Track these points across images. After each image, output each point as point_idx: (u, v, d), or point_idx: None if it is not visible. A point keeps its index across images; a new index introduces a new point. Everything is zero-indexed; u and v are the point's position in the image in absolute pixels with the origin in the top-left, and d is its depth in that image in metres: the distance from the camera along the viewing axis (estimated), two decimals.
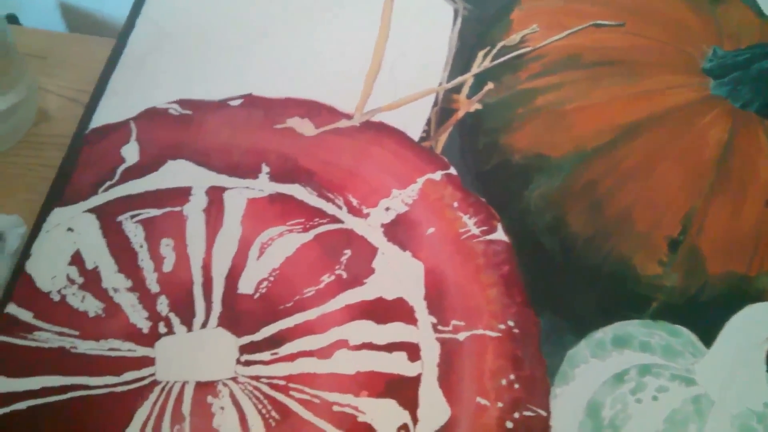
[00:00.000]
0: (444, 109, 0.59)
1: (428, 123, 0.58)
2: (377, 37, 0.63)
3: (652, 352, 0.49)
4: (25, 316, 0.49)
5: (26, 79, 0.57)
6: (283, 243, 0.52)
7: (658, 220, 0.54)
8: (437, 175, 0.55)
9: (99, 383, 0.46)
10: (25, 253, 0.51)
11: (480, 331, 0.49)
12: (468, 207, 0.54)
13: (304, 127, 0.57)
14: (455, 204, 0.54)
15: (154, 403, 0.45)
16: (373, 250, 0.52)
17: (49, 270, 0.50)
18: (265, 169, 0.55)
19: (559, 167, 0.55)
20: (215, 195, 0.54)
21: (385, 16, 0.64)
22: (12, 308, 0.49)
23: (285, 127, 0.57)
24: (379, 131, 0.57)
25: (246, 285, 0.50)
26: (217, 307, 0.49)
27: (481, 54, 0.62)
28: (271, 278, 0.50)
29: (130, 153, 0.56)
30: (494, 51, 0.62)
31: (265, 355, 0.47)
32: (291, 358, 0.47)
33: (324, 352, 0.48)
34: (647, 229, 0.54)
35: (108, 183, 0.54)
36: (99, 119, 0.57)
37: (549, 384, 0.47)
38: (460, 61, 0.61)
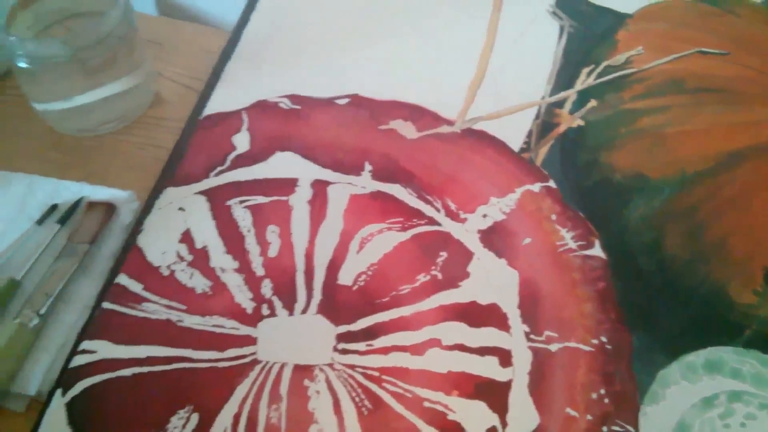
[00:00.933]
0: (546, 123, 0.60)
1: (529, 135, 0.59)
2: (483, 46, 0.64)
3: (743, 380, 0.49)
4: (135, 287, 0.51)
5: (146, 63, 0.60)
6: (383, 240, 0.53)
7: (755, 250, 0.54)
8: (536, 187, 0.56)
9: (202, 357, 0.48)
10: (137, 227, 0.54)
11: (573, 344, 0.49)
12: (566, 221, 0.55)
13: (407, 129, 0.59)
14: (553, 217, 0.55)
15: (254, 381, 0.47)
16: (468, 255, 0.53)
17: (160, 245, 0.53)
18: (368, 167, 0.57)
19: (660, 189, 0.55)
20: (320, 188, 0.55)
21: (492, 26, 0.65)
22: (123, 279, 0.51)
23: (388, 128, 0.59)
24: (480, 139, 0.59)
25: (345, 276, 0.51)
26: (317, 295, 0.50)
27: (585, 71, 0.62)
28: (370, 272, 0.52)
29: (241, 141, 0.58)
30: (598, 69, 0.62)
31: (361, 346, 0.49)
32: (385, 351, 0.49)
33: (417, 349, 0.49)
34: (744, 257, 0.53)
35: (219, 168, 0.56)
36: (212, 107, 0.60)
37: (639, 402, 0.47)
38: (564, 77, 0.62)
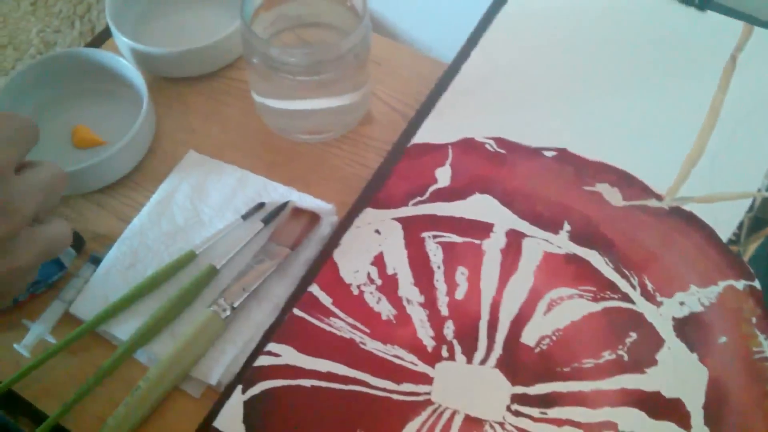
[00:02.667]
0: (759, 218, 0.56)
1: (740, 227, 0.56)
2: (703, 123, 0.61)
3: None
4: (326, 300, 0.52)
5: (369, 82, 0.61)
6: (572, 306, 0.52)
7: None
8: (740, 284, 0.53)
9: (379, 384, 0.48)
10: (334, 241, 0.55)
11: None
12: (767, 327, 0.51)
13: (613, 196, 0.57)
14: (753, 320, 0.52)
15: (425, 422, 0.47)
16: (659, 342, 0.51)
17: (353, 264, 0.54)
18: (567, 227, 0.55)
19: None
20: (515, 239, 0.55)
21: (715, 105, 0.62)
22: (315, 289, 0.52)
23: (594, 190, 0.57)
24: (688, 221, 0.56)
25: (529, 336, 0.51)
26: (498, 349, 0.50)
27: None
28: (554, 337, 0.50)
29: (443, 176, 0.58)
30: None
31: (535, 411, 0.48)
32: (559, 423, 0.47)
33: (591, 428, 0.47)
34: None
35: (418, 198, 0.57)
36: (421, 136, 0.60)
37: None
38: None
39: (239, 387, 0.49)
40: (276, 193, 0.57)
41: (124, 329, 0.52)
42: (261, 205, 0.57)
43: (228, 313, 0.51)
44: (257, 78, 0.58)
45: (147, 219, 0.56)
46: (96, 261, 0.54)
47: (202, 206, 0.57)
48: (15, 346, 0.51)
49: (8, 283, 0.36)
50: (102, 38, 0.68)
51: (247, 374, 0.49)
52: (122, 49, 0.64)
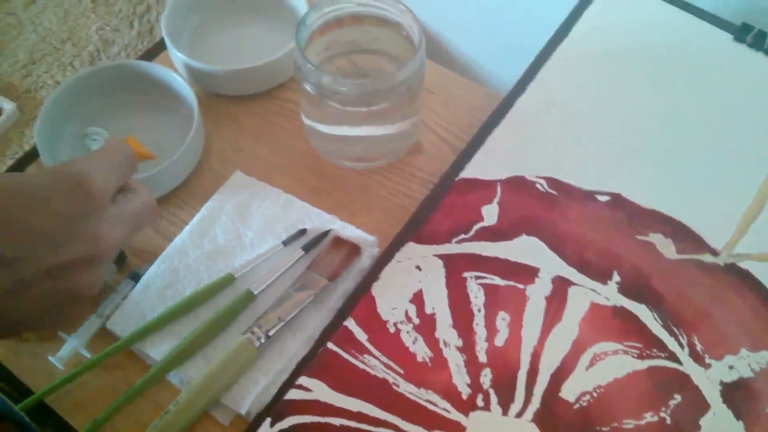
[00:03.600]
0: None
1: None
2: (766, 177, 0.58)
3: None
4: (361, 336, 0.51)
5: (420, 112, 0.60)
6: (616, 362, 0.50)
7: None
8: None
9: (409, 430, 0.47)
10: (373, 274, 0.54)
11: None
12: None
13: (666, 247, 0.55)
14: None
15: None
16: (704, 407, 0.48)
17: (391, 300, 0.53)
18: (616, 277, 0.54)
19: None
20: (560, 286, 0.53)
21: None
22: (351, 323, 0.52)
23: (647, 240, 0.55)
24: (744, 280, 0.54)
25: (568, 391, 0.49)
26: (536, 402, 0.48)
27: None
28: (595, 394, 0.49)
29: (490, 214, 0.57)
30: None
31: None
32: None
33: None
34: None
35: (462, 236, 0.56)
36: (470, 171, 0.59)
37: None
38: None
39: (268, 420, 0.48)
40: (319, 220, 0.56)
41: (158, 349, 0.51)
42: (303, 232, 0.56)
43: (262, 341, 0.50)
44: (307, 102, 0.57)
45: (189, 238, 0.56)
46: (135, 277, 0.54)
47: (245, 229, 0.56)
48: (49, 358, 0.51)
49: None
50: (156, 50, 0.68)
51: (277, 407, 0.48)
52: (176, 63, 0.64)
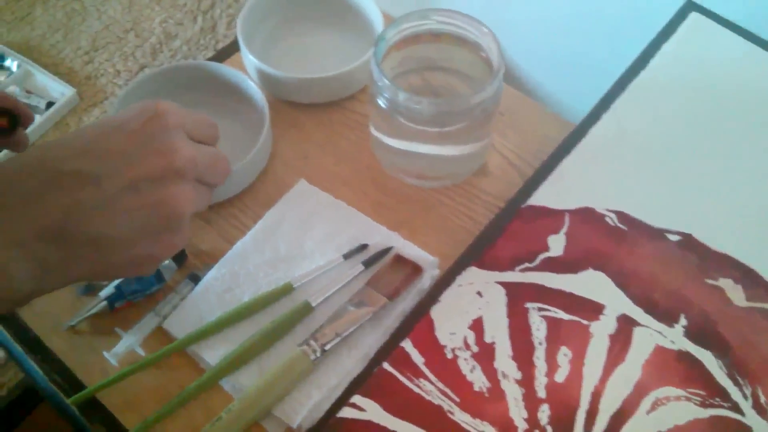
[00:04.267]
0: None
1: None
2: None
3: None
4: (417, 359, 0.50)
5: (491, 134, 0.59)
6: (678, 409, 0.48)
7: None
8: None
9: None
10: (433, 297, 0.53)
11: None
12: None
13: (736, 293, 0.53)
14: None
15: None
16: None
17: (450, 325, 0.52)
18: (683, 321, 0.52)
19: None
20: (625, 326, 0.52)
21: None
22: (408, 345, 0.51)
23: (715, 284, 0.54)
24: None
25: None
26: None
27: None
28: None
29: (556, 244, 0.55)
30: None
31: None
32: None
33: None
34: None
35: (527, 264, 0.54)
36: (538, 198, 0.58)
37: None
38: None
39: None
40: (380, 235, 0.56)
41: (213, 353, 0.51)
42: (364, 247, 0.55)
43: (318, 355, 0.50)
44: (378, 115, 0.57)
45: (251, 243, 0.56)
46: (195, 279, 0.54)
47: (306, 239, 0.56)
48: (104, 353, 0.51)
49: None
50: (227, 52, 0.68)
51: (330, 423, 0.48)
52: (248, 67, 0.64)
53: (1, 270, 0.36)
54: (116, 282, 0.52)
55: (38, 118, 1.17)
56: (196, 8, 1.32)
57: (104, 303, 0.52)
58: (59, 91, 1.23)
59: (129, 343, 0.51)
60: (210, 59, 0.65)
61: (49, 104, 1.19)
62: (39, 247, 0.36)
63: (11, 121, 0.45)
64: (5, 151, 0.92)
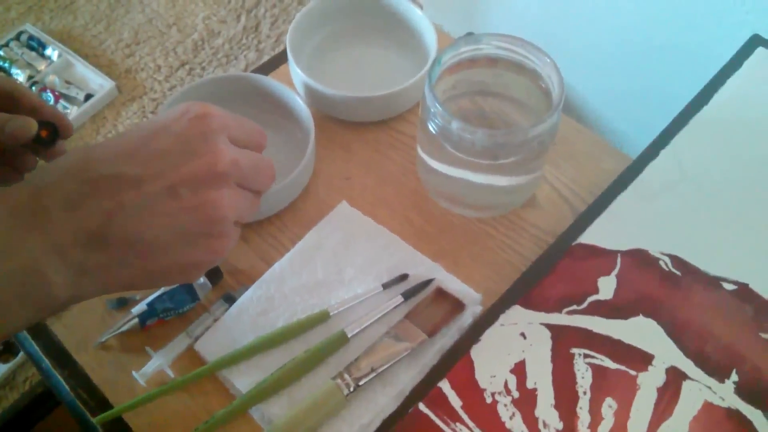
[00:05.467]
0: None
1: None
2: None
3: None
4: (455, 401, 0.48)
5: (544, 166, 0.56)
6: None
7: None
8: None
9: None
10: (474, 335, 0.51)
11: None
12: None
13: None
14: None
15: None
16: None
17: (491, 366, 0.49)
18: (734, 376, 0.49)
19: None
20: (675, 378, 0.49)
21: None
22: (445, 386, 0.49)
23: None
24: None
25: None
26: None
27: None
28: None
29: (606, 287, 0.53)
30: None
31: None
32: None
33: None
34: None
35: (575, 306, 0.52)
36: (589, 236, 0.55)
37: None
38: None
39: None
40: (422, 266, 0.54)
41: (244, 380, 0.50)
42: (404, 277, 0.53)
43: (351, 389, 0.48)
44: (426, 139, 0.55)
45: (288, 266, 0.54)
46: (230, 299, 0.53)
47: (345, 264, 0.54)
48: (133, 373, 0.49)
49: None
50: (274, 63, 0.67)
51: None
52: (295, 80, 0.62)
53: (41, 275, 0.35)
54: (149, 299, 0.51)
55: (76, 110, 1.16)
56: (240, 6, 1.31)
57: (135, 320, 0.51)
58: (98, 83, 1.23)
59: (158, 364, 0.50)
60: (256, 70, 0.64)
61: (88, 96, 1.18)
62: (78, 253, 0.36)
63: (51, 134, 0.44)
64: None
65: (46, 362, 0.52)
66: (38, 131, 0.44)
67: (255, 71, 0.62)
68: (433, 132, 0.52)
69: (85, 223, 0.36)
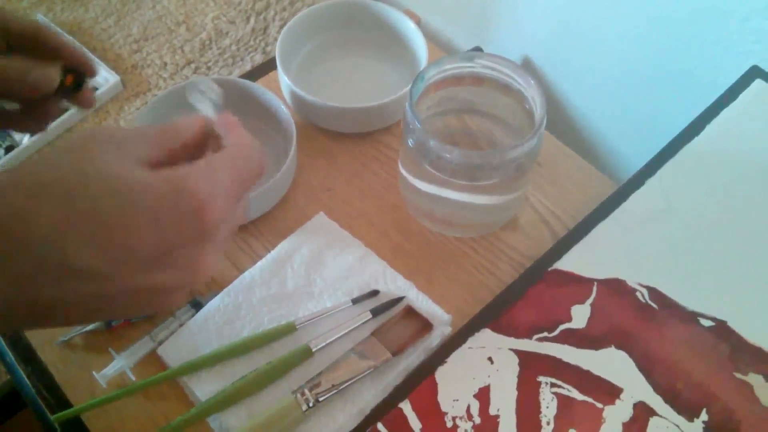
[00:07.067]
0: None
1: None
2: None
3: None
4: (414, 423, 0.47)
5: (526, 187, 0.55)
6: None
7: None
8: None
9: None
10: (440, 356, 0.50)
11: None
12: None
13: (764, 392, 0.49)
14: None
15: None
16: None
17: (454, 390, 0.49)
18: (704, 416, 0.48)
19: None
20: (642, 414, 0.48)
21: None
22: (406, 407, 0.48)
23: (744, 380, 0.50)
24: None
25: None
26: None
27: None
28: None
29: (580, 316, 0.52)
30: None
31: None
32: None
33: None
34: None
35: (545, 333, 0.51)
36: (566, 262, 0.54)
37: None
38: None
39: None
40: (394, 283, 0.53)
41: (204, 387, 0.49)
42: (375, 293, 0.53)
43: (311, 405, 0.47)
44: (406, 155, 0.54)
45: (259, 275, 0.53)
46: (197, 305, 0.52)
47: (316, 277, 0.53)
48: (94, 373, 0.49)
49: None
50: (263, 69, 0.66)
51: None
52: (283, 87, 0.61)
53: None
54: None
55: None
56: (250, 8, 1.31)
57: None
58: (103, 76, 1.23)
59: (120, 366, 0.49)
60: (244, 75, 0.63)
61: (92, 89, 1.19)
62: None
63: (76, 79, 0.43)
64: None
65: (11, 356, 0.51)
66: (62, 79, 0.41)
67: (243, 76, 0.62)
68: (412, 149, 0.52)
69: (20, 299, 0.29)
